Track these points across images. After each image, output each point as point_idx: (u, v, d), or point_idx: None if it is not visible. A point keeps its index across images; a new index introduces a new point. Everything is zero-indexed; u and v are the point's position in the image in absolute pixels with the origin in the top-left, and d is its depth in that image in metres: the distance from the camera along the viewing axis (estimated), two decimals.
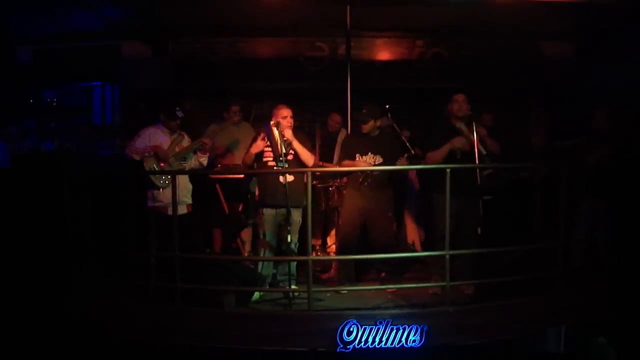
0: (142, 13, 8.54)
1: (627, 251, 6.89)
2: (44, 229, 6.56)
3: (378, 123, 6.86)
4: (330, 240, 7.97)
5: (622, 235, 6.99)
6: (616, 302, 6.44)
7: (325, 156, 8.10)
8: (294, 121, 6.66)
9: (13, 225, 6.68)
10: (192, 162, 6.89)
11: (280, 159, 6.41)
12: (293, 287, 6.39)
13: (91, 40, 9.65)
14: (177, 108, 6.91)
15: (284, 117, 6.53)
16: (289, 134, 6.49)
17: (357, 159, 6.77)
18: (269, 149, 6.62)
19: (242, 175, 7.64)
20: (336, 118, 8.68)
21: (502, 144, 6.87)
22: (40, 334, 6.22)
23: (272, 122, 6.50)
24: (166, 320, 5.84)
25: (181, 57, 9.96)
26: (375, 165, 6.73)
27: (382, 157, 6.76)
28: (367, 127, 6.77)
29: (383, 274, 7.15)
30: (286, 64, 9.88)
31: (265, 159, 6.67)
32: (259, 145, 6.60)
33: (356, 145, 6.85)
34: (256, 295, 6.48)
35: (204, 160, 6.93)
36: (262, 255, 6.73)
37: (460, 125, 6.54)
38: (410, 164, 7.29)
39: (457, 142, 6.57)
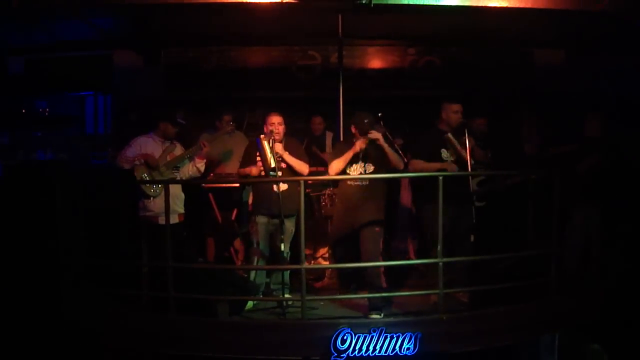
0: (134, 23, 8.54)
1: (620, 258, 6.91)
2: (36, 239, 6.54)
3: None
4: (324, 249, 7.96)
5: (615, 242, 7.01)
6: (610, 308, 6.45)
7: (314, 161, 8.11)
8: (286, 128, 6.69)
9: (5, 234, 6.66)
10: (189, 169, 6.86)
11: (271, 173, 6.43)
12: (286, 295, 6.39)
13: (83, 50, 9.63)
14: (178, 116, 6.95)
15: (272, 123, 6.55)
16: (279, 148, 6.49)
17: (347, 168, 6.51)
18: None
19: (235, 184, 7.64)
20: (318, 120, 8.71)
21: (493, 151, 6.89)
22: (33, 344, 6.19)
23: (262, 136, 6.53)
24: (159, 329, 5.83)
25: (173, 66, 9.95)
26: (367, 174, 6.48)
27: (373, 165, 6.51)
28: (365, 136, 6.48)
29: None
30: (279, 73, 9.87)
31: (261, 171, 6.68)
32: (253, 171, 6.65)
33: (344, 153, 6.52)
34: (250, 304, 6.48)
35: (201, 165, 6.89)
36: (255, 264, 6.72)
37: (451, 138, 6.52)
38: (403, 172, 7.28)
39: (450, 169, 6.55)
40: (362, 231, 6.39)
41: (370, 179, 6.45)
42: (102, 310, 6.06)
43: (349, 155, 6.37)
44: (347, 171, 6.47)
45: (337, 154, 6.51)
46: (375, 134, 6.32)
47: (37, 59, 9.92)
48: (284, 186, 6.43)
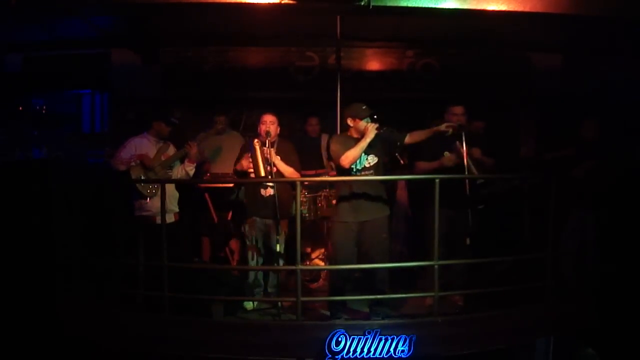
0: (132, 21, 8.53)
1: (615, 262, 6.91)
2: (31, 237, 6.54)
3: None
4: (320, 250, 7.95)
5: (610, 247, 7.02)
6: (604, 313, 6.46)
7: (307, 164, 8.10)
8: (283, 129, 6.70)
9: (0, 232, 6.66)
10: (178, 171, 6.88)
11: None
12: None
13: (81, 48, 9.61)
14: (173, 115, 6.95)
15: (264, 122, 6.61)
16: (272, 154, 6.46)
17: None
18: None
19: (231, 184, 7.64)
20: (314, 121, 8.70)
21: (493, 156, 6.90)
22: (26, 342, 6.19)
23: (255, 141, 6.52)
24: (154, 329, 5.82)
25: (171, 65, 9.92)
26: (371, 166, 6.27)
27: (376, 156, 6.30)
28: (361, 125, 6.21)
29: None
30: (276, 74, 9.86)
31: (249, 170, 6.68)
32: (243, 165, 6.62)
33: (348, 146, 6.19)
34: (249, 304, 6.48)
35: (191, 169, 6.91)
36: (252, 259, 6.71)
37: (458, 146, 6.51)
38: (399, 174, 7.27)
39: (447, 161, 6.58)
40: (369, 239, 6.25)
41: (375, 170, 6.28)
42: (96, 310, 6.06)
43: (364, 143, 6.08)
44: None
45: (345, 144, 6.22)
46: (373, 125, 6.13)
47: (35, 56, 9.89)
48: (271, 191, 6.48)
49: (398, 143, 6.28)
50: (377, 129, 6.09)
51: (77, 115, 10.97)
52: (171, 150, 6.93)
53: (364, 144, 6.09)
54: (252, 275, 6.70)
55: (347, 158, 6.12)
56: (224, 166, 7.65)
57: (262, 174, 6.41)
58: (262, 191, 6.55)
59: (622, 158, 7.20)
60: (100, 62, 9.82)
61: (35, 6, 6.81)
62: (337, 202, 6.45)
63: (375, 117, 6.20)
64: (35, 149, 9.30)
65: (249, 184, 6.73)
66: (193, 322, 5.80)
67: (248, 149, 6.63)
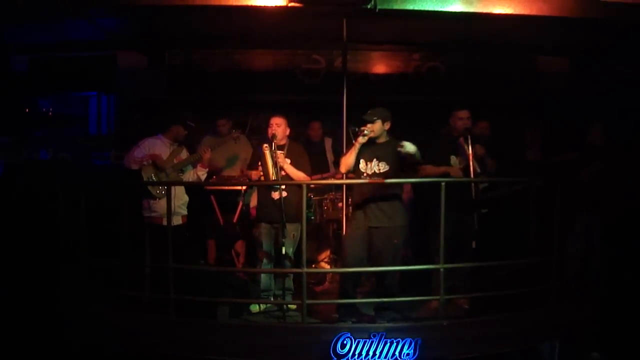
0: (138, 23, 8.54)
1: (621, 266, 6.90)
2: (37, 238, 6.54)
3: (387, 127, 6.31)
4: (325, 253, 7.95)
5: (616, 250, 7.01)
6: (610, 317, 6.44)
7: (318, 168, 8.09)
8: (291, 131, 6.72)
9: (6, 233, 6.67)
10: (190, 175, 6.91)
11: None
12: (288, 299, 6.40)
13: (87, 50, 9.63)
14: (188, 119, 7.02)
15: (270, 125, 6.62)
16: (281, 157, 6.49)
17: (362, 165, 6.25)
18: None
19: (237, 187, 7.65)
20: (317, 125, 8.71)
21: (498, 159, 6.88)
22: (31, 344, 6.19)
23: (264, 146, 6.53)
24: (159, 331, 5.82)
25: (177, 67, 9.95)
26: (380, 173, 6.20)
27: (388, 164, 6.21)
28: (374, 127, 6.19)
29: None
30: (283, 76, 9.87)
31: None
32: (253, 175, 6.71)
33: (360, 151, 6.21)
34: (255, 307, 6.48)
35: (203, 174, 6.95)
36: (262, 265, 6.71)
37: (463, 145, 6.53)
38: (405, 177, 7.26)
39: (454, 173, 6.57)
40: (379, 245, 6.20)
41: (385, 178, 6.17)
42: (102, 312, 6.06)
43: (354, 148, 6.15)
44: (361, 168, 6.25)
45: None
46: (370, 127, 6.17)
47: (41, 58, 9.91)
48: (283, 193, 6.44)
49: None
50: (359, 135, 6.16)
51: (83, 117, 10.99)
52: (184, 154, 6.98)
53: (352, 150, 6.20)
54: (265, 281, 6.69)
55: (341, 164, 6.33)
56: (238, 171, 7.69)
57: (274, 178, 6.43)
58: (273, 194, 6.54)
59: (629, 161, 7.18)
60: (106, 64, 9.83)
61: (41, 8, 6.83)
62: (352, 205, 6.57)
63: (370, 122, 6.21)
64: (41, 151, 9.32)
65: (260, 187, 6.73)
66: (198, 324, 5.79)
67: (258, 154, 6.66)
